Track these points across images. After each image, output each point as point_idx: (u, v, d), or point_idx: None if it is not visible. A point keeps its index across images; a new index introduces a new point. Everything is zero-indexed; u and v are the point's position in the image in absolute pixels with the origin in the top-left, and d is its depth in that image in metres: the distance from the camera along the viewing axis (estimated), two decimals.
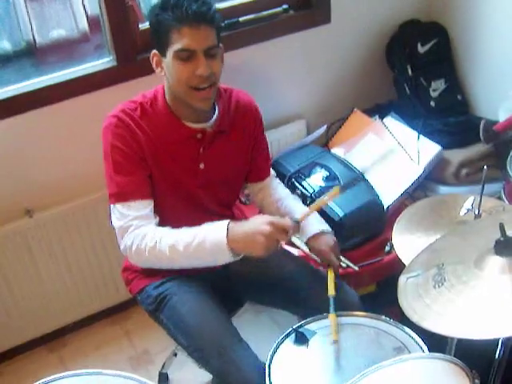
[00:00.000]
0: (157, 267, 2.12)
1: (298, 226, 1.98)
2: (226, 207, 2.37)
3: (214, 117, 2.14)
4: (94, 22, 2.73)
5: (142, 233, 2.00)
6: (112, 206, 2.07)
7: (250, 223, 1.91)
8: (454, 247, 1.69)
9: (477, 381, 1.53)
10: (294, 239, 2.65)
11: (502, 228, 1.50)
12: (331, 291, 2.08)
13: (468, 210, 2.02)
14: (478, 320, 1.41)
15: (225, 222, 1.93)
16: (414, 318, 1.49)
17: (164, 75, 2.05)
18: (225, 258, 1.93)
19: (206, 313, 2.12)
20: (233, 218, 2.39)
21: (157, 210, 2.11)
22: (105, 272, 3.00)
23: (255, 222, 1.90)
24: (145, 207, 2.05)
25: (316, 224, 2.30)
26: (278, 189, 2.43)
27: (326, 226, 2.31)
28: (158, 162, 2.08)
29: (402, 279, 1.65)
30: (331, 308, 2.00)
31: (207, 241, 1.91)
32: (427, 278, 1.57)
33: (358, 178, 2.77)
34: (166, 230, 2.02)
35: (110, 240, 2.87)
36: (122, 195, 2.04)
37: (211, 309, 2.13)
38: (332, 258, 2.21)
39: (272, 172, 2.46)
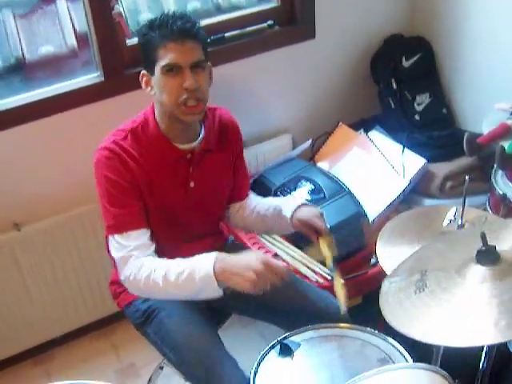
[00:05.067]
0: (151, 297, 2.14)
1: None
2: (213, 227, 2.39)
3: (201, 136, 2.15)
4: (82, 39, 2.75)
5: (139, 263, 2.00)
6: (110, 236, 2.07)
7: (243, 257, 1.91)
8: (438, 255, 1.71)
9: None
10: (281, 253, 2.67)
11: (483, 237, 1.52)
12: (329, 259, 2.08)
13: (451, 220, 2.04)
14: (453, 327, 1.42)
15: (214, 253, 1.93)
16: (393, 322, 1.50)
17: (154, 94, 2.06)
18: (213, 289, 1.90)
19: (194, 328, 2.12)
20: (221, 236, 2.43)
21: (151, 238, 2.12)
22: (92, 285, 3.00)
23: (249, 256, 1.90)
24: (143, 235, 2.06)
25: (294, 201, 2.32)
26: (253, 199, 2.44)
27: (305, 201, 2.32)
28: (151, 187, 2.09)
29: (385, 284, 1.67)
30: (334, 273, 2.04)
31: (196, 271, 1.90)
32: (409, 284, 1.59)
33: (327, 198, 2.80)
34: (161, 261, 2.02)
35: (97, 253, 2.87)
36: (119, 226, 2.04)
37: (199, 324, 2.14)
38: (319, 223, 2.15)
39: (251, 193, 2.47)
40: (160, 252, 2.08)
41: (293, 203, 2.26)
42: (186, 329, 2.12)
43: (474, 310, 1.42)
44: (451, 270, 1.55)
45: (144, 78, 2.07)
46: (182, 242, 2.23)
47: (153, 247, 2.07)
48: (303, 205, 2.25)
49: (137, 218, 2.06)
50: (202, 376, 2.01)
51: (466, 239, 1.72)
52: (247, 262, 1.86)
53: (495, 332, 1.34)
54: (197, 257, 1.97)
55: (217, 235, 2.42)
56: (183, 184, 2.16)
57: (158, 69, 1.98)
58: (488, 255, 1.52)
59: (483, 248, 1.52)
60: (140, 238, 2.04)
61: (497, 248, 1.52)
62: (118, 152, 2.04)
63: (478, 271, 1.50)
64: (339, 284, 2.02)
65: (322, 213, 2.23)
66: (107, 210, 2.06)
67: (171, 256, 2.06)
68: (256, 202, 2.41)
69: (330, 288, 2.47)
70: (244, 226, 2.46)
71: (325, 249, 2.12)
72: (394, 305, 1.56)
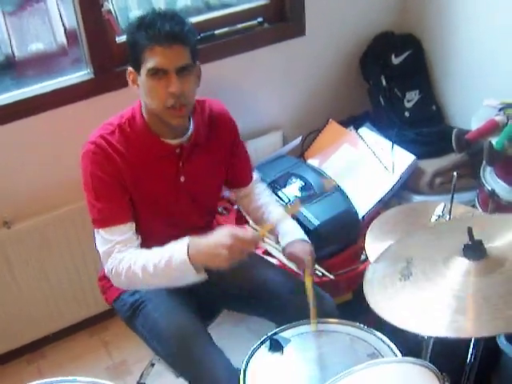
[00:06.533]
0: (134, 289, 2.17)
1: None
2: (206, 219, 2.40)
3: (190, 131, 2.15)
4: (71, 36, 2.75)
5: (120, 256, 2.02)
6: (96, 230, 2.09)
7: (212, 236, 1.92)
8: (425, 244, 1.73)
9: (447, 383, 1.56)
10: (271, 249, 2.68)
11: (469, 232, 1.53)
12: (309, 297, 2.08)
13: (439, 216, 2.05)
14: (435, 317, 1.44)
15: (186, 239, 1.95)
16: (375, 307, 1.52)
17: (140, 93, 2.06)
18: (190, 275, 1.93)
19: (180, 319, 2.13)
20: (212, 230, 2.43)
21: (137, 231, 2.13)
22: (83, 283, 3.00)
23: (217, 235, 1.91)
24: (127, 230, 2.07)
25: (294, 232, 2.32)
26: (261, 194, 2.45)
27: (303, 236, 2.32)
28: (138, 183, 2.10)
29: (370, 269, 1.69)
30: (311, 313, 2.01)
31: (173, 259, 1.93)
32: (395, 271, 1.60)
33: (317, 194, 2.81)
34: (140, 252, 2.04)
35: (88, 251, 2.88)
36: (103, 221, 2.06)
37: (186, 315, 2.15)
38: (308, 264, 2.18)
39: (256, 177, 2.49)
40: (151, 245, 2.08)
41: (291, 235, 2.30)
42: (172, 320, 2.13)
43: (458, 303, 1.44)
44: (438, 261, 1.57)
45: (131, 76, 2.07)
46: (175, 234, 2.23)
47: (138, 241, 2.09)
48: (298, 240, 2.28)
49: (121, 212, 2.08)
50: (188, 366, 2.03)
51: (454, 232, 1.73)
52: (217, 241, 1.88)
53: (478, 326, 1.36)
54: (171, 244, 1.99)
55: (209, 227, 2.42)
56: (173, 179, 2.17)
57: (143, 70, 1.97)
58: (474, 250, 1.53)
59: (470, 242, 1.53)
60: (124, 232, 2.06)
61: (484, 243, 1.54)
62: (104, 147, 2.05)
63: (464, 264, 1.52)
64: (315, 323, 2.01)
65: (313, 251, 2.26)
66: (92, 205, 2.07)
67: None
68: (263, 201, 2.42)
69: (320, 284, 2.50)
70: (248, 215, 2.51)
71: (308, 284, 2.13)
72: (378, 290, 1.58)
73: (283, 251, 2.30)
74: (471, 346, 1.86)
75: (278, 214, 2.37)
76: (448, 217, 2.00)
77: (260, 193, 2.46)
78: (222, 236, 1.89)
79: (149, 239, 2.11)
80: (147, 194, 2.13)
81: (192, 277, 1.94)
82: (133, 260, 2.00)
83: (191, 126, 2.16)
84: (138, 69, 2.01)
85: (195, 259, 1.90)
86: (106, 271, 2.08)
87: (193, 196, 2.23)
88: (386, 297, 1.54)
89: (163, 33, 1.92)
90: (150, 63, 1.95)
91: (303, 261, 2.19)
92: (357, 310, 2.28)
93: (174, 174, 2.17)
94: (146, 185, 2.12)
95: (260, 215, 2.40)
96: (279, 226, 2.33)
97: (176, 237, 2.13)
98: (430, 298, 1.49)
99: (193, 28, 2.03)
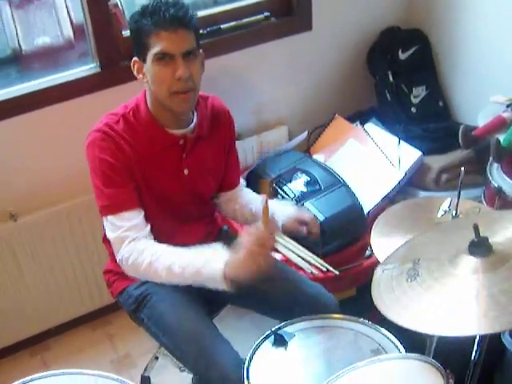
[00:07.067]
0: (150, 280, 2.15)
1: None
2: (208, 212, 2.40)
3: (194, 122, 2.16)
4: (78, 30, 2.76)
5: (140, 247, 2.02)
6: (104, 218, 2.09)
7: (242, 250, 1.91)
8: (431, 244, 1.72)
9: (451, 380, 1.55)
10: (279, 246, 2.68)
11: (475, 229, 1.53)
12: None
13: (445, 211, 2.04)
14: (442, 316, 1.43)
15: (224, 255, 1.95)
16: (383, 309, 1.52)
17: (146, 82, 2.07)
18: (219, 286, 1.94)
19: (186, 310, 2.13)
20: (214, 223, 2.44)
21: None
22: (88, 276, 3.00)
23: (242, 249, 1.91)
24: (137, 216, 2.07)
25: (287, 207, 2.36)
26: (246, 193, 2.47)
27: (291, 204, 2.39)
28: (144, 172, 2.11)
29: (378, 271, 1.68)
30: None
31: (205, 269, 1.94)
32: (402, 272, 1.60)
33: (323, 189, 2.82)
34: (165, 249, 2.04)
35: (93, 244, 2.88)
36: (113, 207, 2.06)
37: (191, 307, 2.15)
38: (306, 214, 2.26)
39: (242, 181, 2.50)
40: (156, 233, 2.10)
41: (284, 211, 2.30)
42: (178, 312, 2.13)
43: (464, 301, 1.43)
44: (444, 260, 1.56)
45: (136, 65, 2.08)
46: (177, 224, 2.24)
47: (147, 228, 2.09)
48: (291, 207, 2.33)
49: (130, 198, 2.08)
50: (196, 358, 2.02)
51: (459, 230, 1.72)
52: (249, 255, 1.89)
53: (484, 323, 1.35)
54: (205, 252, 2.00)
55: (212, 218, 2.44)
56: (177, 172, 2.17)
57: (149, 57, 1.98)
58: (480, 246, 1.52)
59: (475, 239, 1.53)
60: (134, 218, 2.06)
61: (489, 240, 1.53)
62: (112, 134, 2.06)
63: (470, 262, 1.51)
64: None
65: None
66: (101, 192, 2.07)
67: (167, 237, 2.10)
68: (249, 198, 2.44)
69: (325, 279, 2.50)
70: (234, 217, 2.49)
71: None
72: (385, 292, 1.58)
73: (282, 227, 2.29)
74: (476, 342, 1.86)
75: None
76: (454, 212, 1.99)
77: (244, 193, 2.47)
78: (251, 249, 1.90)
79: (155, 227, 2.11)
80: (153, 185, 2.14)
81: (219, 287, 1.95)
82: (154, 256, 2.00)
83: (195, 118, 2.17)
84: (143, 56, 2.02)
85: (229, 275, 1.91)
86: (118, 258, 2.07)
87: (196, 188, 2.24)
88: (394, 298, 1.54)
89: (168, 17, 1.94)
90: (155, 48, 1.96)
91: (304, 217, 2.24)
92: (360, 305, 2.29)
93: (178, 166, 2.17)
94: (152, 175, 2.13)
95: (248, 212, 2.40)
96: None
97: (177, 228, 2.13)
98: (437, 297, 1.48)
99: (195, 14, 2.04)
